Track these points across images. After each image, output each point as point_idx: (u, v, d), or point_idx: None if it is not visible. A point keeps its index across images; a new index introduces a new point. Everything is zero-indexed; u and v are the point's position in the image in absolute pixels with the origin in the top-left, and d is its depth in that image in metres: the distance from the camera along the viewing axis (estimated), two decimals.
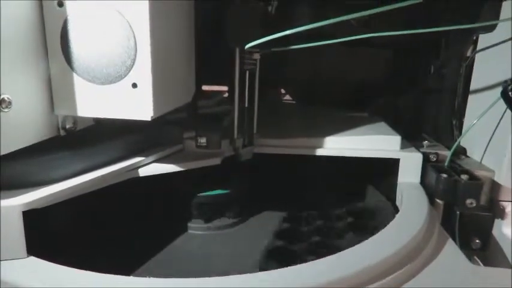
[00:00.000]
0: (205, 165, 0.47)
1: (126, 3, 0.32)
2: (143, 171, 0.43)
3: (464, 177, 0.47)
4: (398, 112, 0.72)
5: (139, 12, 0.32)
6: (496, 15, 0.49)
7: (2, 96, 0.30)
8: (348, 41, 0.52)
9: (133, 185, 0.43)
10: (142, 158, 0.43)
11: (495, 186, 0.49)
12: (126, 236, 0.45)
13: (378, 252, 0.34)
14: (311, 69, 0.80)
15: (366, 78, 0.80)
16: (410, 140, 0.56)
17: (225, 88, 0.79)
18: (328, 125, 0.58)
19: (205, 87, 0.73)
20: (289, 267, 0.32)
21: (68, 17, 0.33)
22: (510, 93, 0.46)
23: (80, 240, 0.42)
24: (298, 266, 0.32)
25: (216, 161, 0.48)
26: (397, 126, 0.59)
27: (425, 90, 0.70)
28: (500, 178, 0.48)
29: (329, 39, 0.46)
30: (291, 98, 0.87)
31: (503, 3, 0.49)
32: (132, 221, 0.49)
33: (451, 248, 0.39)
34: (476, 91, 0.56)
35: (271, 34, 0.37)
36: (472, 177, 0.47)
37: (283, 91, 0.87)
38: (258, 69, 0.45)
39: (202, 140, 0.47)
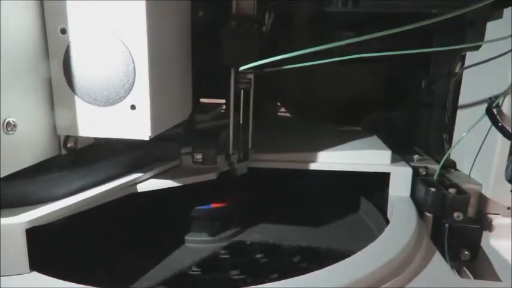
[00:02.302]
0: (201, 181, 0.48)
1: (126, 31, 0.34)
2: (141, 187, 0.45)
3: (452, 190, 0.49)
4: (391, 126, 0.74)
5: (139, 40, 0.34)
6: (481, 35, 0.52)
7: (7, 120, 0.31)
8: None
9: (132, 200, 0.45)
10: (141, 174, 0.45)
11: (482, 199, 0.50)
12: (127, 251, 0.47)
13: (366, 265, 0.35)
14: (305, 83, 0.82)
15: (360, 93, 0.82)
16: (402, 153, 0.58)
17: (222, 101, 0.81)
18: (321, 139, 0.60)
19: (203, 100, 0.75)
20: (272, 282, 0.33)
21: (70, 44, 0.35)
22: (494, 110, 0.48)
23: (81, 256, 0.44)
24: (284, 281, 0.33)
25: (212, 176, 0.49)
26: (389, 140, 0.61)
27: (417, 105, 0.72)
28: (487, 191, 0.50)
29: (322, 59, 0.47)
30: (286, 112, 0.89)
31: (488, 24, 0.51)
32: (132, 235, 0.50)
33: (438, 261, 0.40)
34: (464, 106, 0.58)
35: (265, 56, 0.39)
36: (460, 190, 0.49)
37: (278, 104, 0.89)
38: (252, 87, 0.47)
39: (199, 156, 0.49)
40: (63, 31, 0.34)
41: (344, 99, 0.81)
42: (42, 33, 0.35)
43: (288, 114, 0.88)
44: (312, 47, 0.37)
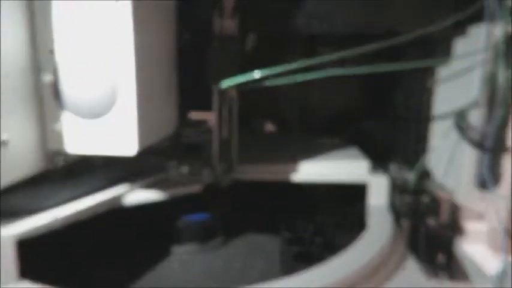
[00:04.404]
0: (187, 193, 0.50)
1: (113, 49, 0.36)
2: (127, 200, 0.47)
3: (425, 198, 0.51)
4: (371, 138, 0.77)
5: (126, 57, 0.36)
6: (448, 51, 0.55)
7: (1, 136, 0.33)
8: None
9: (118, 213, 0.46)
10: (126, 188, 0.47)
11: (455, 206, 0.53)
12: (114, 262, 0.48)
13: (340, 270, 0.37)
14: (287, 97, 0.85)
15: (341, 105, 0.85)
16: (381, 164, 0.61)
17: (209, 115, 0.83)
18: (301, 152, 0.62)
19: (192, 114, 0.77)
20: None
21: (59, 63, 0.37)
22: (462, 122, 0.51)
23: (70, 267, 0.45)
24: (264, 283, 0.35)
25: (198, 188, 0.51)
26: (369, 151, 0.63)
27: (396, 117, 0.75)
28: (460, 198, 0.53)
29: (302, 75, 0.50)
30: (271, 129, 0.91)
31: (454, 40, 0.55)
32: (118, 247, 0.51)
33: (412, 265, 0.43)
34: (438, 117, 0.61)
35: (247, 73, 0.41)
36: (433, 198, 0.51)
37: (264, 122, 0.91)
38: (235, 104, 0.49)
39: (184, 169, 0.51)
40: (51, 52, 0.37)
41: (325, 111, 0.84)
42: (33, 51, 0.37)
43: (273, 131, 0.90)
44: (289, 63, 0.39)
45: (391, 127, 0.77)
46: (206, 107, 0.62)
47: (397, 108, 0.74)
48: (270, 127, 0.93)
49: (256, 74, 0.41)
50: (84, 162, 0.45)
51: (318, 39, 0.62)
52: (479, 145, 0.49)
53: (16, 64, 0.35)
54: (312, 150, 0.63)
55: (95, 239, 0.50)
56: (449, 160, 0.56)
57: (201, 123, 0.77)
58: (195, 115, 0.78)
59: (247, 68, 0.47)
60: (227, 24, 0.48)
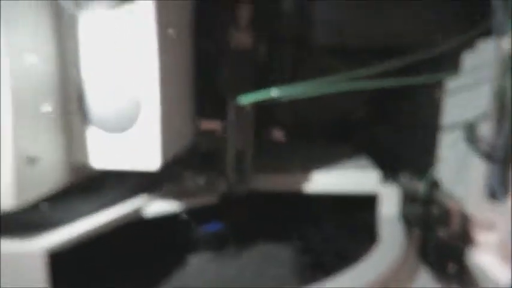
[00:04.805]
0: (203, 204, 0.51)
1: (136, 68, 0.37)
2: (144, 212, 0.48)
3: (436, 208, 0.52)
4: (379, 145, 0.78)
5: (151, 75, 0.37)
6: (457, 64, 0.56)
7: (29, 154, 0.34)
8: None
9: (132, 224, 0.47)
10: (145, 199, 0.48)
11: (465, 216, 0.54)
12: (129, 273, 0.49)
13: (354, 281, 0.38)
14: (297, 105, 0.86)
15: (349, 111, 0.86)
16: (390, 171, 0.62)
17: (222, 124, 0.84)
18: (311, 161, 0.63)
19: (204, 123, 0.78)
20: None
21: (85, 79, 0.38)
22: (472, 134, 0.52)
23: (86, 280, 0.46)
24: None
25: (214, 198, 0.53)
26: (378, 159, 0.64)
27: (403, 125, 0.76)
28: (469, 208, 0.54)
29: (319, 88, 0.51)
30: (279, 134, 0.92)
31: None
32: (133, 257, 0.52)
33: (424, 275, 0.44)
34: (446, 126, 0.62)
35: (266, 90, 0.42)
36: (443, 208, 0.52)
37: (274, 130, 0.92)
38: (251, 116, 0.51)
39: (200, 180, 0.52)
40: (79, 68, 0.38)
41: (332, 118, 0.85)
42: (60, 67, 0.38)
43: (280, 137, 0.91)
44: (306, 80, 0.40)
45: (399, 135, 0.78)
46: (216, 115, 0.64)
47: (404, 116, 0.75)
48: (277, 134, 0.94)
49: (275, 92, 0.42)
50: (103, 175, 0.46)
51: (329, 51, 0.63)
52: (489, 157, 0.50)
53: (44, 80, 0.37)
54: (322, 159, 0.64)
55: (110, 251, 0.51)
56: (459, 170, 0.57)
57: (216, 131, 0.78)
58: (205, 124, 0.80)
59: (262, 79, 0.48)
60: (243, 37, 0.50)
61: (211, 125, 0.83)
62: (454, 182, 0.58)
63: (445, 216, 0.51)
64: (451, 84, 0.60)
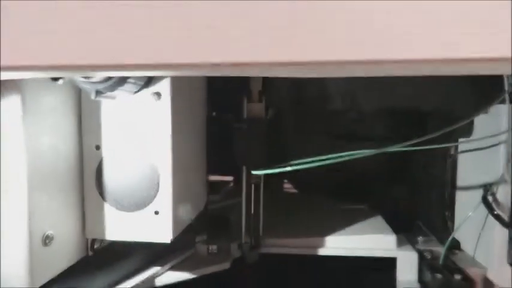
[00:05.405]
0: (216, 271, 0.51)
1: (152, 148, 0.38)
2: (159, 281, 0.47)
3: (457, 276, 0.50)
4: (394, 204, 0.77)
5: (164, 157, 0.38)
6: (470, 127, 0.56)
7: (46, 233, 0.35)
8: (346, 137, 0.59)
9: None
10: (159, 268, 0.47)
11: (488, 283, 0.52)
12: None
13: None
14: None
15: (363, 170, 0.85)
16: (405, 231, 0.60)
17: (230, 178, 0.85)
18: (326, 221, 0.63)
19: (211, 178, 0.79)
20: None
21: (103, 158, 0.39)
22: (489, 197, 0.51)
23: None
24: None
25: (227, 265, 0.52)
26: (392, 218, 0.63)
27: (418, 183, 0.75)
28: (491, 275, 0.52)
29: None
30: (291, 187, 0.92)
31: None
32: None
33: None
34: (463, 185, 0.61)
35: (281, 165, 0.43)
36: (465, 276, 0.50)
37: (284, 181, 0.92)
38: (262, 182, 0.51)
39: (213, 247, 0.52)
40: (98, 147, 0.39)
41: (348, 175, 0.85)
42: (79, 148, 0.39)
43: (293, 190, 0.91)
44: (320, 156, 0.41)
45: (412, 193, 0.77)
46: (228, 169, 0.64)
47: (417, 173, 0.74)
48: (287, 186, 0.94)
49: (289, 167, 0.42)
50: (116, 245, 0.46)
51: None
52: (507, 225, 0.49)
53: (65, 162, 0.38)
54: (337, 220, 0.63)
55: None
56: (478, 231, 0.56)
57: (224, 187, 0.78)
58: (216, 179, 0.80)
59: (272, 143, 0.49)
60: (255, 107, 0.51)
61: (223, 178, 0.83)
62: (475, 243, 0.56)
63: (468, 285, 0.49)
64: (465, 144, 0.60)
